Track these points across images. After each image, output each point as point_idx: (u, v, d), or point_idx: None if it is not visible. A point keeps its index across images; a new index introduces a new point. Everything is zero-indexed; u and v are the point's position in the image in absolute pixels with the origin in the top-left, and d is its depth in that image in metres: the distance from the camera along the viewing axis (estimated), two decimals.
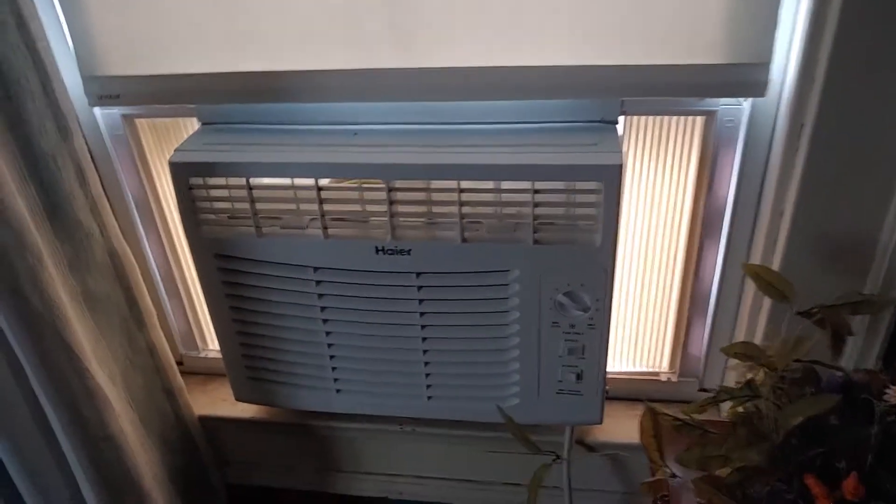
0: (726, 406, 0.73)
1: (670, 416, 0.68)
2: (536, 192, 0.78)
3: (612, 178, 0.76)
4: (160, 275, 1.05)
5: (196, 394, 1.08)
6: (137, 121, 0.93)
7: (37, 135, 0.79)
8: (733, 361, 0.92)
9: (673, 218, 0.89)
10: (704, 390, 1.01)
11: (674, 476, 0.66)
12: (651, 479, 0.68)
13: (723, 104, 0.80)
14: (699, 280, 0.93)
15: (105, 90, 0.88)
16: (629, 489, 1.03)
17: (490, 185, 0.82)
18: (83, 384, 0.83)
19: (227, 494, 1.15)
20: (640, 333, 0.99)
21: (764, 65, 0.75)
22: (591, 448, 0.98)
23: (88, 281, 0.88)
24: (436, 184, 0.81)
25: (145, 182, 0.97)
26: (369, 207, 0.84)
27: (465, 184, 0.79)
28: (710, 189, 0.86)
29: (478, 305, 0.87)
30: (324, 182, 0.82)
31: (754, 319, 0.88)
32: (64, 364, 0.81)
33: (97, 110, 0.92)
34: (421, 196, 0.82)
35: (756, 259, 0.85)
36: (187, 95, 0.87)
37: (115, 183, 0.96)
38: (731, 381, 0.96)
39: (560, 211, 0.80)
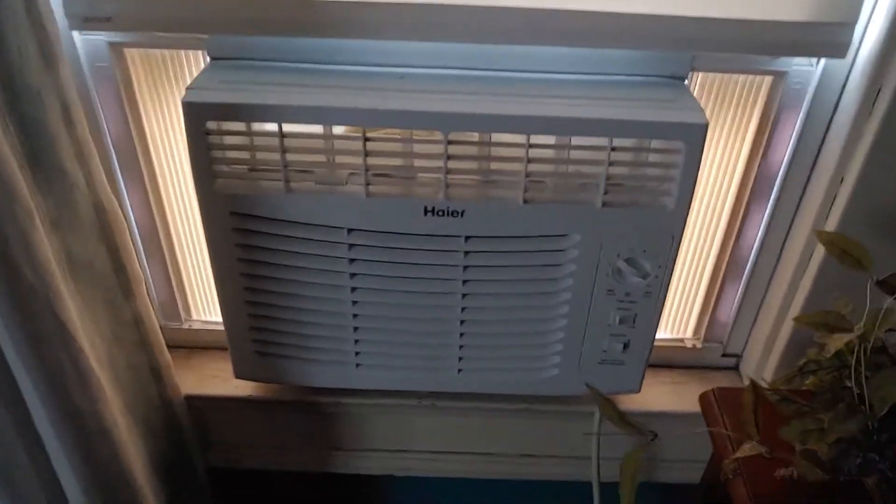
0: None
1: (771, 390, 0.66)
2: (613, 149, 0.72)
3: (696, 137, 0.71)
4: (140, 234, 0.90)
5: (180, 370, 0.95)
6: (127, 51, 0.77)
7: (17, 62, 0.63)
8: (780, 334, 0.92)
9: (722, 182, 0.86)
10: (727, 356, 1.00)
11: (772, 452, 0.64)
12: (742, 454, 0.65)
13: (795, 65, 0.77)
14: (738, 246, 0.91)
15: (92, 11, 0.71)
16: (655, 456, 1.02)
17: (553, 139, 0.75)
18: (78, 371, 0.69)
19: (210, 479, 1.03)
20: (670, 300, 0.96)
21: (849, 24, 0.72)
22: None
23: (71, 241, 0.73)
24: (497, 137, 0.73)
25: (132, 123, 0.81)
26: (418, 162, 0.74)
27: (534, 139, 0.72)
28: (765, 153, 0.83)
29: (529, 272, 0.80)
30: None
31: (794, 287, 0.88)
32: (58, 347, 0.67)
33: (76, 35, 0.75)
34: (478, 150, 0.74)
35: (806, 226, 0.84)
36: (198, 24, 0.72)
37: (94, 124, 0.80)
38: (756, 348, 0.96)
39: (628, 171, 0.75)
